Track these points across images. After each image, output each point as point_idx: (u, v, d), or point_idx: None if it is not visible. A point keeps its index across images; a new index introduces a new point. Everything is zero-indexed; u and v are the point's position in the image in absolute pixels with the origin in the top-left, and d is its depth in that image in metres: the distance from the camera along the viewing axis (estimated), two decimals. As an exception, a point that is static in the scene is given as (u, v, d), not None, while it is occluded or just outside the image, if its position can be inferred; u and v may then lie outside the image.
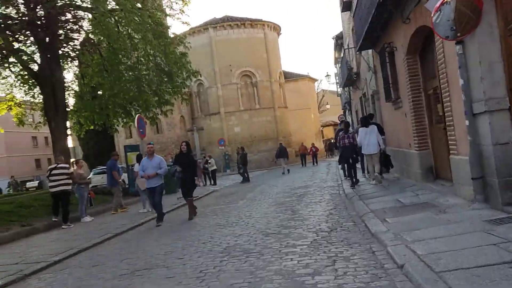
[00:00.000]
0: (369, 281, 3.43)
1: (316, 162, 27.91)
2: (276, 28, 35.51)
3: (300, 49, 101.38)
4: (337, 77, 29.09)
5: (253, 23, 33.17)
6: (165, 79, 17.59)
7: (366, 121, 10.10)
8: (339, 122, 31.61)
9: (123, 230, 8.38)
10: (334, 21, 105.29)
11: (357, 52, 13.95)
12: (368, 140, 9.61)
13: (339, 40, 23.51)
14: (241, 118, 33.27)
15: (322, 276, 3.73)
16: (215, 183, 20.66)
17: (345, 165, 11.95)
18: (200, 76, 18.17)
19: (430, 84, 7.51)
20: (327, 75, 28.66)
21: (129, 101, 17.47)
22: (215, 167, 20.86)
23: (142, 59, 16.95)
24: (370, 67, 12.63)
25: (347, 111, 28.60)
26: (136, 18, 15.33)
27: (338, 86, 26.36)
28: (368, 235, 5.15)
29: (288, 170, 21.93)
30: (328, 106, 43.87)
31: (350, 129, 11.71)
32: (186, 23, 17.98)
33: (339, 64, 24.18)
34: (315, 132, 41.87)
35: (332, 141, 41.76)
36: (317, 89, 44.36)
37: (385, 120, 12.11)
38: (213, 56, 32.68)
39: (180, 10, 17.71)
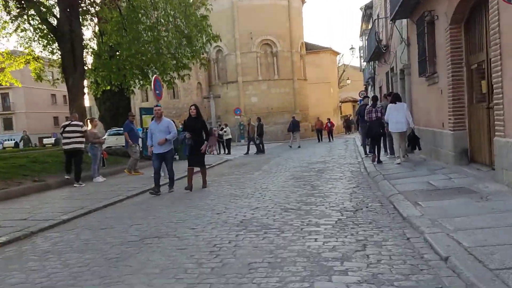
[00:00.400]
0: (409, 273, 2.98)
1: (332, 138, 27.14)
2: (301, -4, 34.17)
3: (324, 20, 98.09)
4: (362, 51, 28.01)
5: (278, -12, 31.90)
6: (184, 42, 17.02)
7: (396, 97, 9.54)
8: (360, 98, 30.75)
9: (135, 193, 8.09)
10: None
11: (390, 22, 13.06)
12: (396, 117, 9.10)
13: (368, 10, 22.37)
14: (259, 88, 32.57)
15: (352, 263, 3.30)
16: (229, 152, 20.33)
17: (369, 140, 11.36)
18: (220, 41, 17.52)
19: (475, 58, 6.82)
20: (351, 48, 27.25)
21: (147, 63, 17.00)
22: (230, 136, 20.50)
23: (162, 19, 16.37)
24: (403, 38, 11.82)
25: (369, 87, 27.66)
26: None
27: (362, 60, 25.35)
28: (399, 219, 4.68)
29: (299, 146, 21.27)
30: (348, 81, 42.65)
31: (379, 103, 10.91)
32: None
33: (366, 36, 23.12)
34: (333, 108, 40.97)
35: (350, 117, 40.90)
36: (339, 63, 43.02)
37: (414, 97, 11.42)
38: (234, 22, 31.70)
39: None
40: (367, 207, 5.49)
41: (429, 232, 3.80)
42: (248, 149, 19.72)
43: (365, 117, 10.49)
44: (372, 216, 4.95)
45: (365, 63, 28.95)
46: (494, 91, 5.52)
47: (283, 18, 32.43)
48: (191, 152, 8.25)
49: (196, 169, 8.44)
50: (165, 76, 17.63)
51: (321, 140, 26.58)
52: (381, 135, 10.05)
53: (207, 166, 9.16)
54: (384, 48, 16.04)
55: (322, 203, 5.95)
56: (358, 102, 31.03)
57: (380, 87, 20.46)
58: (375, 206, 5.52)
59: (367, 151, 12.22)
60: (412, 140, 9.56)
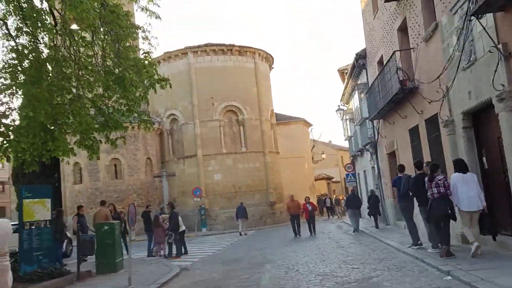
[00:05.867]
0: None
1: (314, 230, 17.33)
2: (269, 59, 30.03)
3: (291, 89, 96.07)
4: (345, 115, 23.20)
5: (242, 49, 27.56)
6: (114, 86, 11.09)
7: (462, 164, 7.76)
8: (347, 172, 25.37)
9: None
10: (328, 53, 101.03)
11: (471, 17, 7.65)
12: (467, 191, 7.44)
13: (360, 61, 17.86)
14: (223, 163, 26.60)
15: None
16: (185, 251, 13.59)
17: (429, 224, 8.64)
18: (170, 86, 11.78)
19: None
20: (339, 110, 22.24)
21: (52, 116, 10.74)
22: (183, 228, 13.68)
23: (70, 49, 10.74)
24: (497, 47, 6.54)
25: (362, 158, 22.41)
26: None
27: (356, 123, 20.32)
28: None
29: (245, 233, 20.79)
30: (323, 156, 37.92)
31: (440, 174, 8.07)
32: (155, 16, 11.89)
33: (359, 92, 18.34)
34: (308, 185, 35.42)
35: (328, 198, 35.19)
36: (311, 136, 38.47)
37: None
38: (192, 86, 26.57)
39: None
40: None
41: None
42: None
43: (428, 191, 7.99)
44: None
45: (349, 132, 24.10)
46: None
47: (250, 83, 27.78)
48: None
49: None
50: (87, 141, 11.45)
51: (299, 233, 17.04)
52: (449, 218, 7.85)
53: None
54: (414, 85, 10.95)
55: None
56: (346, 178, 25.66)
57: (392, 154, 15.12)
58: None
59: (418, 241, 9.39)
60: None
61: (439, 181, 7.76)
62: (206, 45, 27.09)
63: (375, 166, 18.19)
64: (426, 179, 8.09)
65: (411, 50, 11.57)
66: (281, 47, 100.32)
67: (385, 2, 12.65)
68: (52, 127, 10.90)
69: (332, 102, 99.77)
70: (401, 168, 10.52)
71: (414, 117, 11.68)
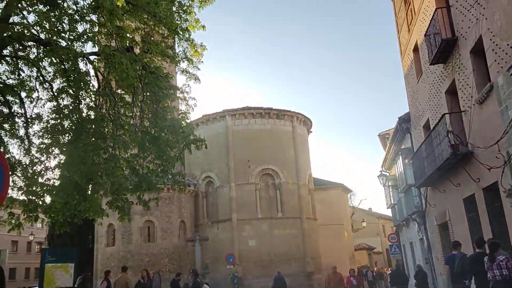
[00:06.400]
0: None
1: None
2: (307, 123, 29.82)
3: (329, 152, 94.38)
4: (387, 181, 22.03)
5: (280, 113, 27.57)
6: (148, 145, 10.90)
7: None
8: (391, 243, 23.54)
9: None
10: (367, 117, 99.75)
11: None
12: None
13: (403, 125, 17.10)
14: (259, 228, 25.56)
15: None
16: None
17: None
18: (206, 147, 11.47)
19: None
20: (381, 175, 21.19)
21: (87, 176, 10.58)
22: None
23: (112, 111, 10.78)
24: None
25: (406, 228, 20.79)
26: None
27: (400, 191, 19.08)
28: None
29: None
30: (364, 224, 35.94)
31: (501, 255, 7.14)
32: (195, 77, 11.99)
33: (403, 156, 17.37)
34: (348, 256, 33.26)
35: (373, 270, 32.67)
36: (351, 202, 36.88)
37: None
38: (229, 148, 26.49)
39: (188, 58, 11.94)
40: None
41: None
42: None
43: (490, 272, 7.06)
44: None
45: (392, 199, 22.72)
46: None
47: (287, 146, 27.41)
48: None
49: None
50: (118, 201, 11.13)
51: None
52: None
53: None
54: (468, 151, 10.01)
55: None
56: (390, 249, 23.76)
57: (444, 225, 13.75)
58: None
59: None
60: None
61: (501, 262, 6.99)
62: (244, 108, 27.36)
63: (424, 238, 16.65)
64: (485, 258, 7.24)
65: (463, 113, 10.79)
66: (319, 110, 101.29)
67: (430, 64, 12.17)
68: (85, 187, 10.71)
69: (372, 168, 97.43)
70: (456, 244, 9.47)
71: (470, 185, 10.58)
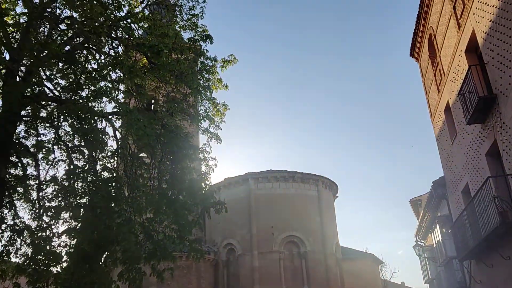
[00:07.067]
0: None
1: None
2: (332, 187, 28.64)
3: (355, 220, 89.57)
4: (422, 252, 20.20)
5: (304, 177, 26.63)
6: (165, 208, 10.22)
7: None
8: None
9: None
10: (397, 182, 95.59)
11: None
12: None
13: (439, 190, 15.89)
14: (283, 302, 23.58)
15: None
16: None
17: None
18: (226, 211, 10.67)
19: None
20: (417, 245, 19.45)
21: (96, 244, 9.85)
22: None
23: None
24: None
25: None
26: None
27: (438, 263, 17.29)
28: None
29: None
30: (397, 299, 32.97)
31: None
32: (216, 137, 11.59)
33: (439, 225, 15.92)
34: (381, 335, 30.11)
35: None
36: (382, 275, 34.19)
37: None
38: (251, 214, 25.39)
39: (209, 117, 11.66)
40: None
41: None
42: None
43: None
44: None
45: (429, 273, 20.70)
46: None
47: (312, 212, 26.11)
48: None
49: None
50: (130, 273, 10.28)
51: None
52: None
53: None
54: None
55: None
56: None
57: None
58: None
59: None
60: None
61: None
62: (268, 171, 26.62)
63: (470, 319, 14.63)
64: None
65: (509, 176, 9.72)
66: (344, 175, 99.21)
67: (467, 124, 11.33)
68: (95, 256, 9.89)
69: (403, 237, 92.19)
70: None
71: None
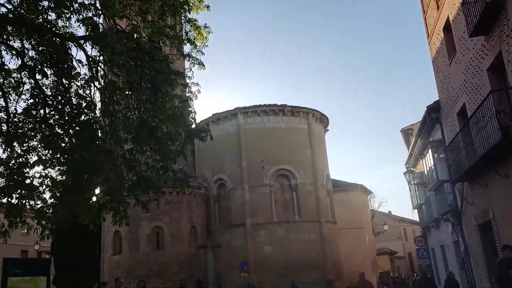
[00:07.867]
0: None
1: None
2: (323, 120, 28.15)
3: (344, 152, 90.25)
4: (412, 178, 20.20)
5: (294, 110, 25.99)
6: (147, 139, 9.50)
7: None
8: (418, 247, 21.76)
9: None
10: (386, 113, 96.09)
11: None
12: None
13: (432, 115, 15.37)
14: (274, 233, 23.93)
15: None
16: None
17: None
18: (211, 139, 10.01)
19: None
20: (407, 171, 19.52)
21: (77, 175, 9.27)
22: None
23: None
24: None
25: (436, 230, 18.92)
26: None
27: (429, 187, 17.26)
28: None
29: None
30: (386, 227, 33.98)
31: None
32: (198, 62, 10.63)
33: (432, 150, 15.62)
34: (370, 261, 31.32)
35: (394, 276, 30.71)
36: (370, 205, 34.97)
37: None
38: (241, 149, 25.00)
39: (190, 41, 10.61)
40: None
41: None
42: None
43: None
44: None
45: (418, 199, 20.88)
46: None
47: (303, 145, 25.79)
48: None
49: None
50: (112, 202, 9.78)
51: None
52: None
53: None
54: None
55: None
56: (417, 254, 21.81)
57: (486, 225, 11.96)
58: None
59: None
60: None
61: None
62: (257, 106, 25.85)
63: (460, 240, 14.81)
64: None
65: (513, 90, 9.10)
66: (335, 107, 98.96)
67: (470, 37, 10.49)
68: (73, 187, 9.34)
69: (391, 168, 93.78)
70: (504, 247, 8.02)
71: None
